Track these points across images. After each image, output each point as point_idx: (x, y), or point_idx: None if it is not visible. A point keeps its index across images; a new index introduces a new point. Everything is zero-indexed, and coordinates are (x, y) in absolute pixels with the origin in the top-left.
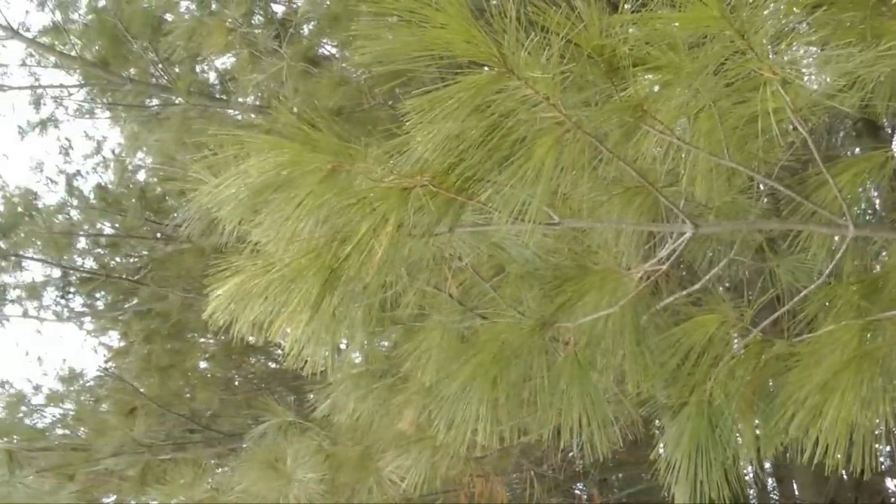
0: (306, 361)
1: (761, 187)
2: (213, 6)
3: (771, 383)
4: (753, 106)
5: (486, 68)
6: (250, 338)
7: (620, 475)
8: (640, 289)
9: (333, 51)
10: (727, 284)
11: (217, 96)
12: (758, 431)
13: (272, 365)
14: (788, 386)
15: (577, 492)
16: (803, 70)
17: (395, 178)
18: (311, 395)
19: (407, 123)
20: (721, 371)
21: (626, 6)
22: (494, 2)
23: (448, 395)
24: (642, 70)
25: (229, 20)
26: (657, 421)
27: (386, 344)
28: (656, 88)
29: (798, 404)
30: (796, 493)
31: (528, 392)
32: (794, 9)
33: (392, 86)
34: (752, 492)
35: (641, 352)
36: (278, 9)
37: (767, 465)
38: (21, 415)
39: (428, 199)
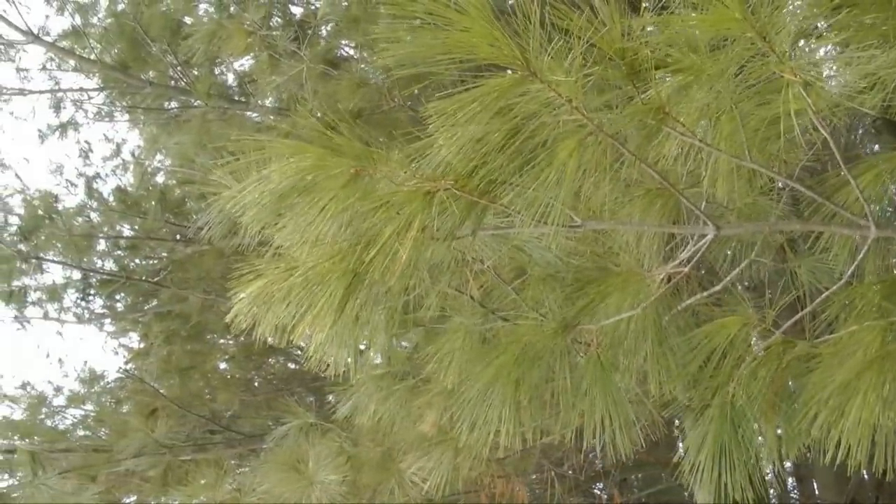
0: (329, 364)
1: (779, 186)
2: (232, 9)
3: (793, 384)
4: (775, 108)
5: (508, 71)
6: (271, 340)
7: (640, 475)
8: (663, 291)
9: (353, 52)
10: (746, 284)
11: (236, 98)
12: (779, 432)
13: (291, 366)
14: (810, 387)
15: (596, 492)
16: (824, 71)
17: (419, 182)
18: (331, 397)
19: (430, 126)
20: (743, 372)
21: (646, 9)
22: (510, 1)
23: (471, 397)
24: (664, 72)
25: (247, 23)
26: (676, 422)
27: (407, 346)
28: (678, 91)
29: (820, 405)
30: (816, 492)
31: (551, 393)
32: (815, 10)
33: (413, 89)
34: (772, 492)
35: (664, 353)
36: (296, 10)
37: (788, 464)
38: (42, 416)
39: (451, 203)
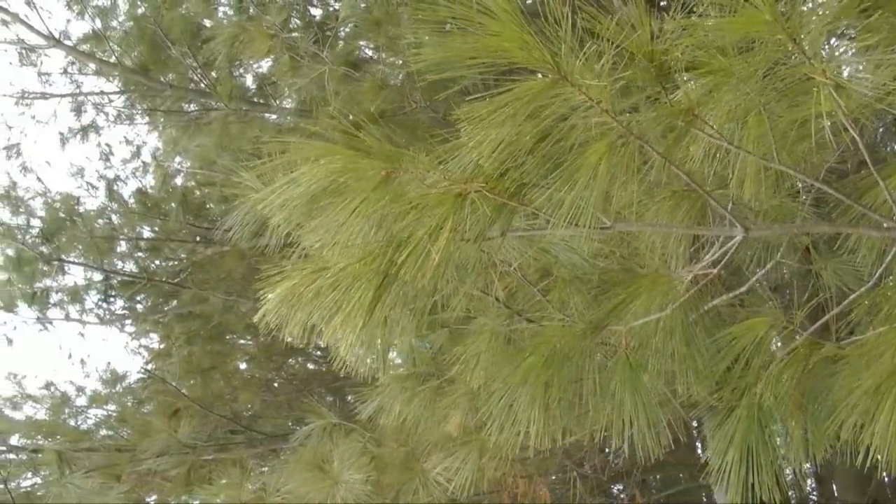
0: (357, 364)
1: (805, 188)
2: (251, 11)
3: (820, 385)
4: (804, 110)
5: (539, 75)
6: (290, 340)
7: (658, 476)
8: (692, 292)
9: (373, 54)
10: (766, 285)
11: (256, 100)
12: (806, 433)
13: (311, 367)
14: (838, 389)
15: (615, 491)
16: (854, 72)
17: (450, 184)
18: (351, 398)
19: (461, 129)
20: (771, 373)
21: (675, 11)
22: None
23: (500, 398)
24: (693, 75)
25: (265, 25)
26: (694, 423)
27: (431, 347)
28: (706, 93)
29: (849, 408)
30: (836, 493)
31: (579, 394)
32: (844, 12)
33: (443, 94)
34: (791, 493)
35: (691, 354)
36: (316, 12)
37: (807, 465)
38: (65, 416)
39: (482, 204)
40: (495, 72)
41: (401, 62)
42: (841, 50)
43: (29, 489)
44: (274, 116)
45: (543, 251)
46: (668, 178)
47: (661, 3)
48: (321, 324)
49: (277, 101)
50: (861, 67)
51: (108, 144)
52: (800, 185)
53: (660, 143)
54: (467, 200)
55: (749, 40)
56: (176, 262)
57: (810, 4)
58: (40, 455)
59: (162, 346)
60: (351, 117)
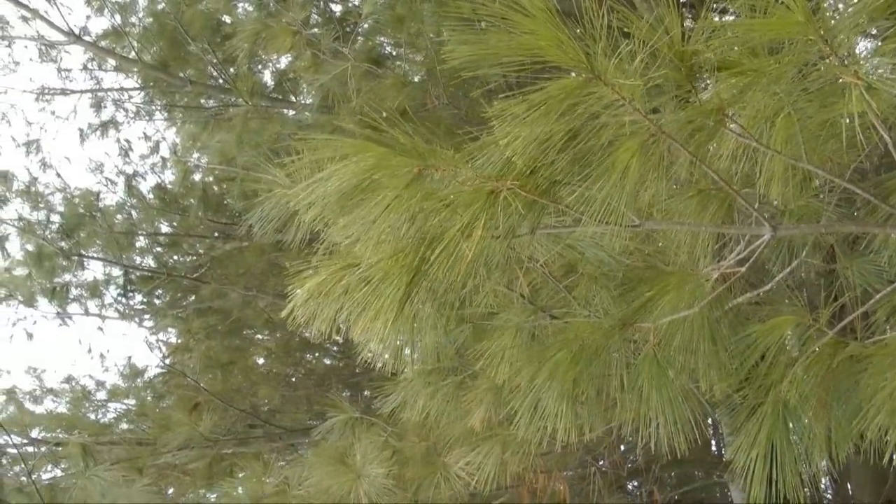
0: (386, 359)
1: (831, 188)
2: (272, 6)
3: (844, 385)
4: (833, 110)
5: (572, 74)
6: (315, 335)
7: (674, 473)
8: (719, 291)
9: (394, 51)
10: (788, 284)
11: (275, 97)
12: (829, 432)
13: (328, 362)
14: (863, 388)
15: (631, 488)
16: (884, 73)
17: (482, 181)
18: (368, 393)
19: (494, 127)
20: (797, 371)
21: (708, 11)
22: None
23: (527, 393)
24: (724, 74)
25: (287, 21)
26: (709, 420)
27: (455, 342)
28: (736, 93)
29: (875, 409)
30: (850, 492)
31: (606, 391)
32: (876, 13)
33: (471, 91)
34: (805, 491)
35: (716, 351)
36: (336, 8)
37: (823, 463)
38: (85, 410)
39: (514, 201)
40: (526, 71)
41: (423, 59)
42: (872, 51)
43: (50, 482)
44: (294, 113)
45: (570, 248)
46: (695, 176)
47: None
48: (350, 320)
49: (298, 98)
50: (892, 69)
51: (127, 140)
52: (827, 185)
53: (688, 143)
54: (500, 198)
55: (780, 41)
56: (195, 258)
57: (841, 6)
58: (62, 448)
59: (181, 341)
60: (384, 114)
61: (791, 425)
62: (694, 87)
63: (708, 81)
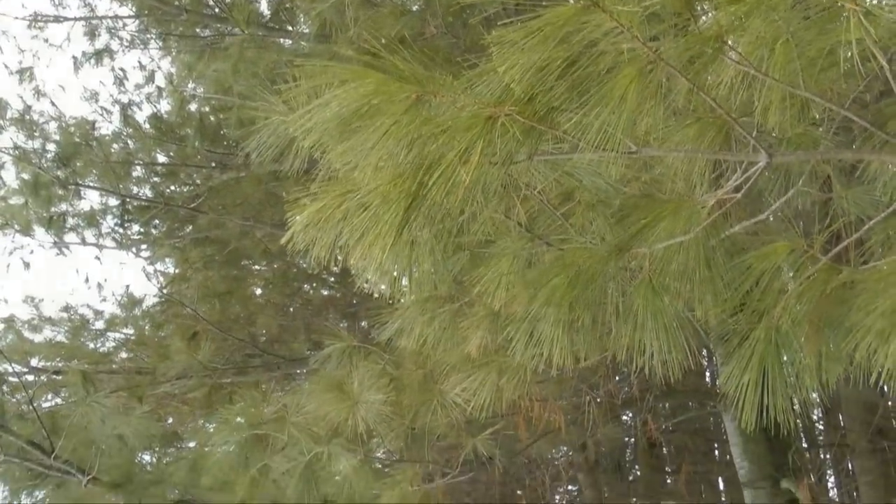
0: (383, 284)
1: (829, 116)
2: None
3: (836, 311)
4: (831, 37)
5: (570, 1)
6: (313, 263)
7: (668, 403)
8: (714, 217)
9: None
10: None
11: (272, 26)
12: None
13: (325, 293)
14: (855, 312)
15: (626, 418)
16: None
17: (480, 107)
18: (365, 323)
19: (492, 54)
20: (790, 297)
21: None
22: None
23: (523, 319)
24: (723, 1)
25: None
26: (704, 351)
27: (452, 269)
28: (734, 20)
29: (865, 330)
30: (842, 422)
31: (601, 317)
32: None
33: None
34: (798, 422)
35: (712, 277)
36: None
37: (814, 395)
38: (84, 339)
39: (512, 127)
40: None
41: None
42: None
43: (49, 410)
44: (291, 42)
45: (568, 175)
46: (693, 104)
47: None
48: (349, 245)
49: (295, 27)
50: None
51: (122, 69)
52: (824, 114)
53: (686, 70)
54: (497, 123)
55: None
56: (192, 188)
57: None
58: (61, 376)
59: (178, 271)
60: (382, 41)
61: (783, 351)
62: (693, 15)
63: (706, 8)
